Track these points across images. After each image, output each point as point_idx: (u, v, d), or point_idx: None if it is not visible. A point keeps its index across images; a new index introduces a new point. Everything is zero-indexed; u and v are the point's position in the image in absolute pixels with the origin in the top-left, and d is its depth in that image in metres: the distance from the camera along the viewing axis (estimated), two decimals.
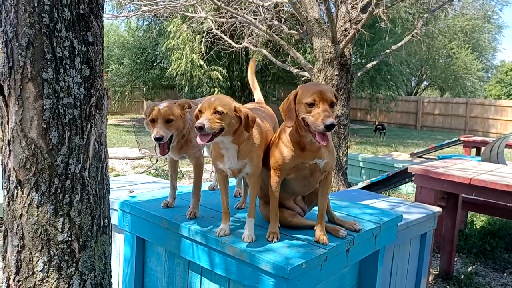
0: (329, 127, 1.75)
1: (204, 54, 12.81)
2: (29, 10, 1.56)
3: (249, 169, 2.00)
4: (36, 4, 1.56)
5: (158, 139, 2.07)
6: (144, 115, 2.22)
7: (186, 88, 16.07)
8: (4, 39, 1.60)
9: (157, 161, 8.16)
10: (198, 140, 1.81)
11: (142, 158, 9.81)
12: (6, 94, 1.64)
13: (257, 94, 2.65)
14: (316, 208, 2.23)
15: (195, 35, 14.51)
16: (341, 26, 6.27)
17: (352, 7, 6.24)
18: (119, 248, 2.82)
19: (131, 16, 9.50)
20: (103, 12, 1.82)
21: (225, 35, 8.74)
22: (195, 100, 2.50)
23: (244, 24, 8.53)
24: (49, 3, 1.58)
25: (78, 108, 1.70)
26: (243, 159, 1.97)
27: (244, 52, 15.96)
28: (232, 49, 9.01)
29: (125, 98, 20.53)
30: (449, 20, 23.40)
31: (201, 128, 1.77)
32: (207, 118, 1.80)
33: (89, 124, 1.75)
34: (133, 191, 3.26)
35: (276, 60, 8.12)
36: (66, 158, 1.69)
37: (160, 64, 20.03)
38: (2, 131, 1.71)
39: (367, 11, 5.97)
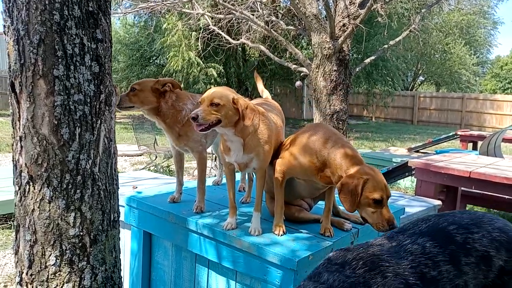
0: (392, 229, 1.73)
1: (201, 51, 12.79)
2: (40, 8, 1.58)
3: (256, 164, 2.02)
4: (47, 2, 1.58)
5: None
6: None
7: (182, 85, 16.08)
8: (16, 37, 1.62)
9: (156, 157, 8.18)
10: (194, 127, 1.88)
11: (140, 155, 9.81)
12: (17, 91, 1.66)
13: (265, 94, 2.70)
14: (320, 202, 2.27)
15: (191, 32, 14.50)
16: (340, 21, 6.29)
17: (350, 2, 6.26)
18: (124, 243, 2.85)
19: (128, 13, 9.48)
20: (110, 10, 1.84)
21: (222, 31, 8.74)
22: None
23: (241, 20, 8.54)
24: (59, 0, 1.60)
25: (88, 105, 1.72)
26: (250, 153, 1.99)
27: (241, 48, 15.95)
28: (229, 46, 9.02)
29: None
30: (444, 15, 23.47)
31: (194, 119, 1.83)
32: (202, 109, 1.84)
33: (99, 120, 1.77)
34: (137, 187, 3.29)
35: (274, 56, 8.13)
36: (77, 153, 1.71)
37: (156, 61, 19.99)
38: (13, 128, 1.73)
39: (365, 6, 5.99)
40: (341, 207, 2.36)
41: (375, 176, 1.77)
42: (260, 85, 2.74)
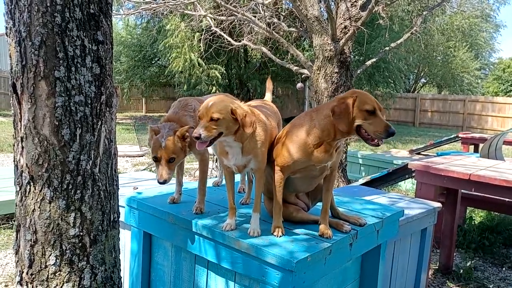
0: (392, 134, 1.84)
1: (203, 52, 12.82)
2: (42, 10, 1.60)
3: (254, 164, 2.05)
4: (48, 4, 1.60)
5: (162, 183, 2.14)
6: (148, 146, 2.26)
7: (185, 86, 16.10)
8: (18, 39, 1.63)
9: None
10: (197, 146, 1.88)
11: (142, 156, 9.84)
12: (19, 92, 1.68)
13: (267, 96, 2.72)
14: (319, 203, 2.27)
15: (194, 33, 14.53)
16: (341, 23, 6.30)
17: (351, 4, 6.28)
18: (124, 244, 2.86)
19: (130, 14, 9.51)
20: (112, 12, 1.86)
21: (224, 32, 8.76)
22: (202, 98, 2.54)
23: (243, 22, 8.56)
24: (61, 3, 1.61)
25: (89, 106, 1.74)
26: (248, 155, 2.02)
27: (243, 50, 15.97)
28: (231, 47, 9.04)
29: (123, 96, 20.56)
30: (446, 18, 23.44)
31: (197, 138, 1.83)
32: (203, 127, 1.84)
33: (100, 121, 1.79)
34: (137, 188, 3.31)
35: (276, 58, 8.14)
36: (78, 154, 1.73)
37: (158, 62, 20.03)
38: (15, 128, 1.75)
39: (366, 8, 6.00)
40: (340, 209, 2.37)
41: (362, 93, 1.93)
42: (268, 94, 2.75)
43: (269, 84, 2.78)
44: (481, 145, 7.72)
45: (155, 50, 18.01)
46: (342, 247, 2.07)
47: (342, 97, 1.95)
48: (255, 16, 7.63)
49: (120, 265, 2.02)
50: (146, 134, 8.97)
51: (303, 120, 2.05)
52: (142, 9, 8.30)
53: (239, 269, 1.98)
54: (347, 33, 6.10)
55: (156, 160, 2.16)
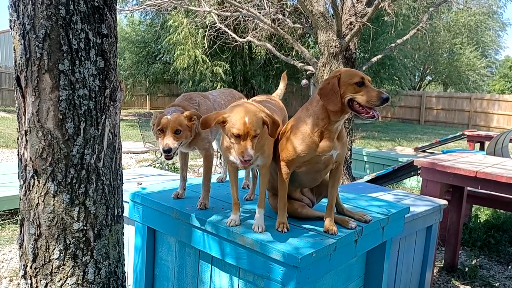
0: (386, 100, 1.82)
1: (207, 49, 12.80)
2: (46, 2, 1.58)
3: (260, 161, 2.03)
4: None
5: (167, 151, 2.09)
6: (151, 124, 2.24)
7: (190, 83, 16.09)
8: (22, 31, 1.62)
9: (161, 155, 8.20)
10: (244, 165, 1.85)
11: (146, 152, 9.85)
12: (23, 85, 1.67)
13: (280, 86, 2.69)
14: (324, 200, 2.25)
15: (198, 29, 14.51)
16: (347, 19, 6.26)
17: (357, 0, 6.23)
18: (128, 239, 2.86)
19: (135, 10, 9.50)
20: (116, 5, 1.84)
21: (229, 29, 8.73)
22: (206, 94, 2.52)
23: (248, 18, 8.52)
24: None
25: (93, 100, 1.73)
26: (256, 152, 1.99)
27: (247, 47, 15.94)
28: (235, 43, 9.01)
29: (127, 92, 20.60)
30: (452, 15, 23.27)
31: (250, 160, 1.79)
32: (250, 147, 1.79)
33: (104, 115, 1.78)
34: (141, 183, 3.30)
35: (280, 54, 8.11)
36: (82, 148, 1.72)
37: (162, 58, 20.04)
38: (19, 122, 1.74)
39: (372, 4, 5.96)
40: (345, 205, 2.35)
41: (345, 69, 1.95)
42: (282, 86, 2.71)
43: (284, 77, 2.73)
44: (487, 143, 7.66)
45: (159, 47, 18.01)
46: (347, 244, 2.05)
47: (326, 79, 1.96)
48: (260, 12, 7.60)
49: (124, 260, 2.02)
50: (150, 130, 8.99)
51: (301, 113, 2.06)
52: (146, 5, 8.30)
53: (244, 265, 1.97)
54: (353, 29, 6.06)
55: (162, 132, 2.12)
